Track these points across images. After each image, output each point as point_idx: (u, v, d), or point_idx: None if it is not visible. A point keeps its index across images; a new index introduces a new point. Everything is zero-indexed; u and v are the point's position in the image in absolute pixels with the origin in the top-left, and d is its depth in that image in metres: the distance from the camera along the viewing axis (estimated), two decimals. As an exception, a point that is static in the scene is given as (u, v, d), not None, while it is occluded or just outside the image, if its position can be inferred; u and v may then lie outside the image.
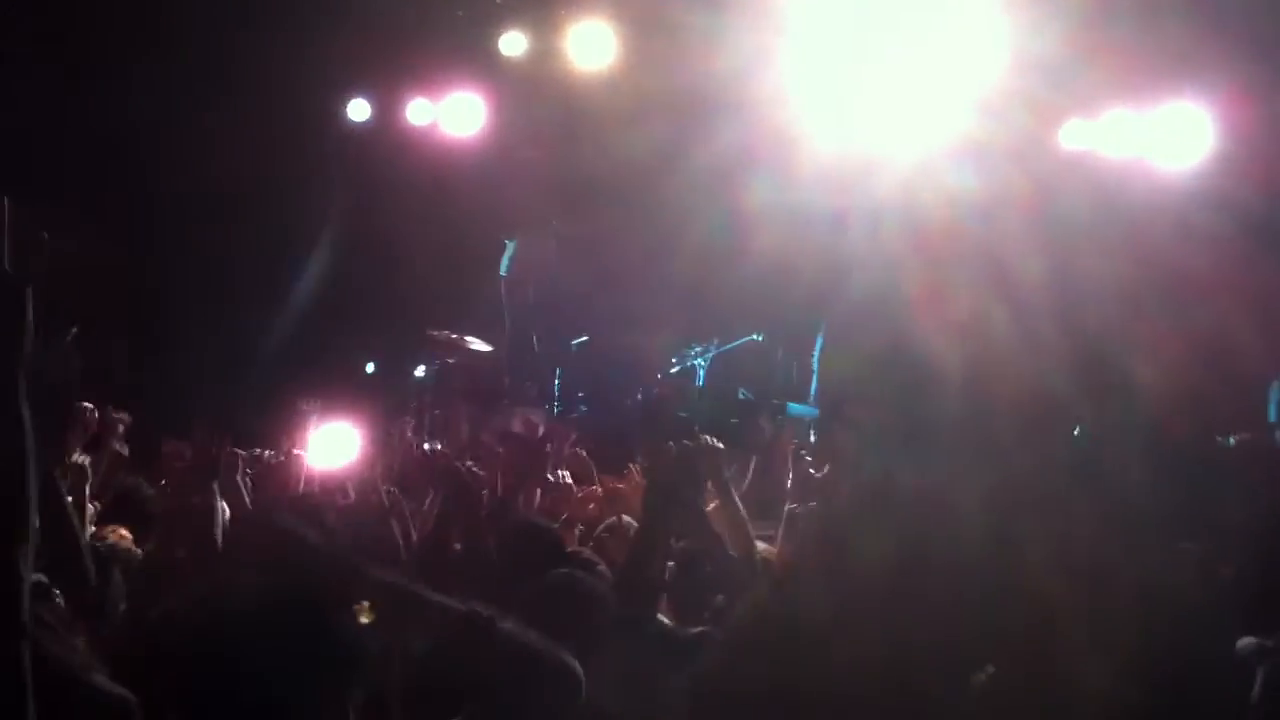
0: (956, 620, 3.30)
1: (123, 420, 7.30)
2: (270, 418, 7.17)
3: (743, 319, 10.87)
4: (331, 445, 6.09)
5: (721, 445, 4.93)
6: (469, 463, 5.79)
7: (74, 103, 9.49)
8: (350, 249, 11.05)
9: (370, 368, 11.07)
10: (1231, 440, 7.13)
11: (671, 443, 4.32)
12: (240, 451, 6.02)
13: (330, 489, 5.79)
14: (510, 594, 3.74)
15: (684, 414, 9.22)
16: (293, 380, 8.25)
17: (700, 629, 4.05)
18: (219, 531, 4.74)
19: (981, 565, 3.87)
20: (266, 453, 6.34)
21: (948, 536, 3.60)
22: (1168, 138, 9.47)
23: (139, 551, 4.98)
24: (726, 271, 10.28)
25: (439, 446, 8.00)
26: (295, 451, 6.11)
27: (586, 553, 4.75)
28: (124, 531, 5.46)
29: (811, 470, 5.68)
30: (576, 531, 5.72)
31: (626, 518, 5.38)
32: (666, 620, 4.36)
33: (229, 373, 9.62)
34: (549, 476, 6.38)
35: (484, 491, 5.41)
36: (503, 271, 11.02)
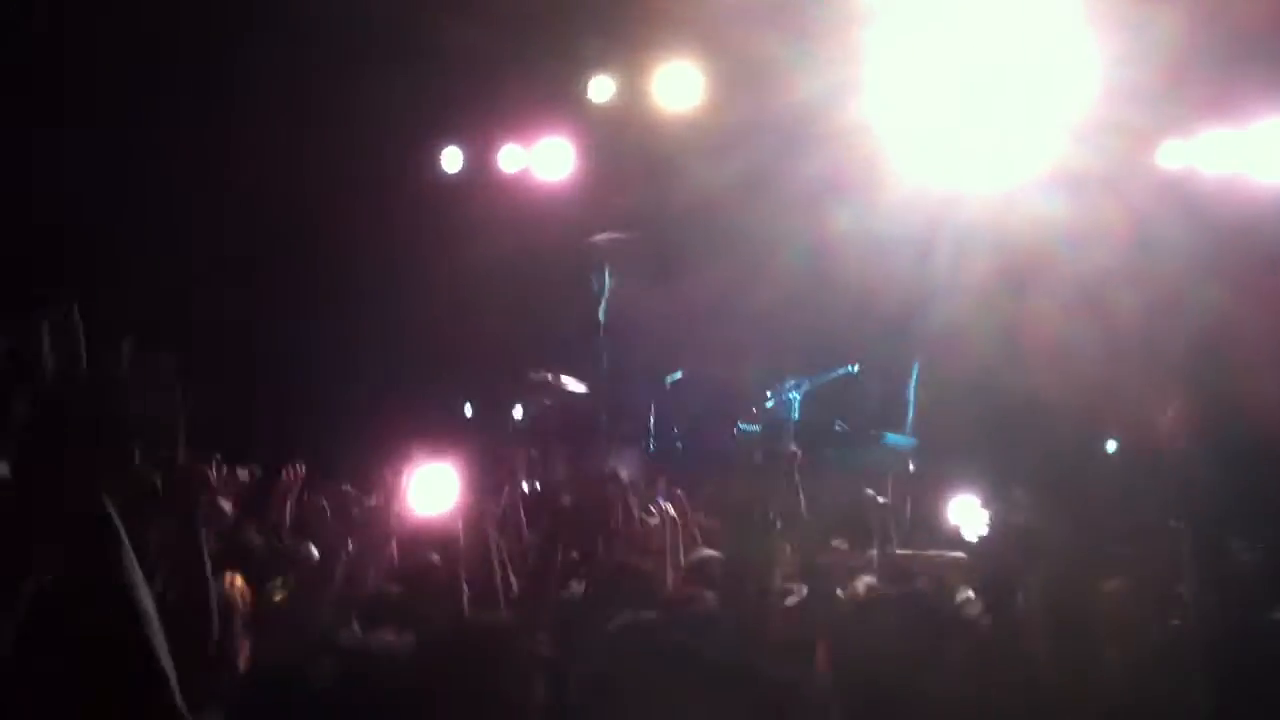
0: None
1: (249, 472, 7.53)
2: (371, 461, 7.29)
3: (834, 350, 10.85)
4: (431, 488, 6.17)
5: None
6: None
7: (180, 146, 9.80)
8: (447, 295, 11.22)
9: (468, 410, 11.22)
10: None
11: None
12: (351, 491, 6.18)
13: (434, 534, 5.88)
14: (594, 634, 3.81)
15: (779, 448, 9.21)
16: (391, 424, 8.39)
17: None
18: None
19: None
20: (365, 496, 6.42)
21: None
22: (1267, 153, 9.30)
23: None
24: (818, 301, 10.29)
25: (538, 487, 8.09)
26: (396, 495, 6.20)
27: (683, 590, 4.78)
28: (239, 579, 5.61)
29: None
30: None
31: (707, 550, 5.43)
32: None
33: (331, 418, 9.80)
34: (637, 514, 6.45)
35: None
36: (599, 309, 11.12)
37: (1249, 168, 9.37)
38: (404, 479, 6.19)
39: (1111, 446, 8.05)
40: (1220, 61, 8.67)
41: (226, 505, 6.40)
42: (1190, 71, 8.74)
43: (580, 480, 7.38)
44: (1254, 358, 7.12)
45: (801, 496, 5.98)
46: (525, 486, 8.81)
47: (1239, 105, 9.22)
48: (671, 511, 6.65)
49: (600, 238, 11.06)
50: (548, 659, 3.73)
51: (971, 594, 4.86)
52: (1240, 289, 8.00)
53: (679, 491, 7.27)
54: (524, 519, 6.61)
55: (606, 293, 11.13)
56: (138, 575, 2.25)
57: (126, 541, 2.25)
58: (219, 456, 6.80)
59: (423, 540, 5.75)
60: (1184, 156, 9.70)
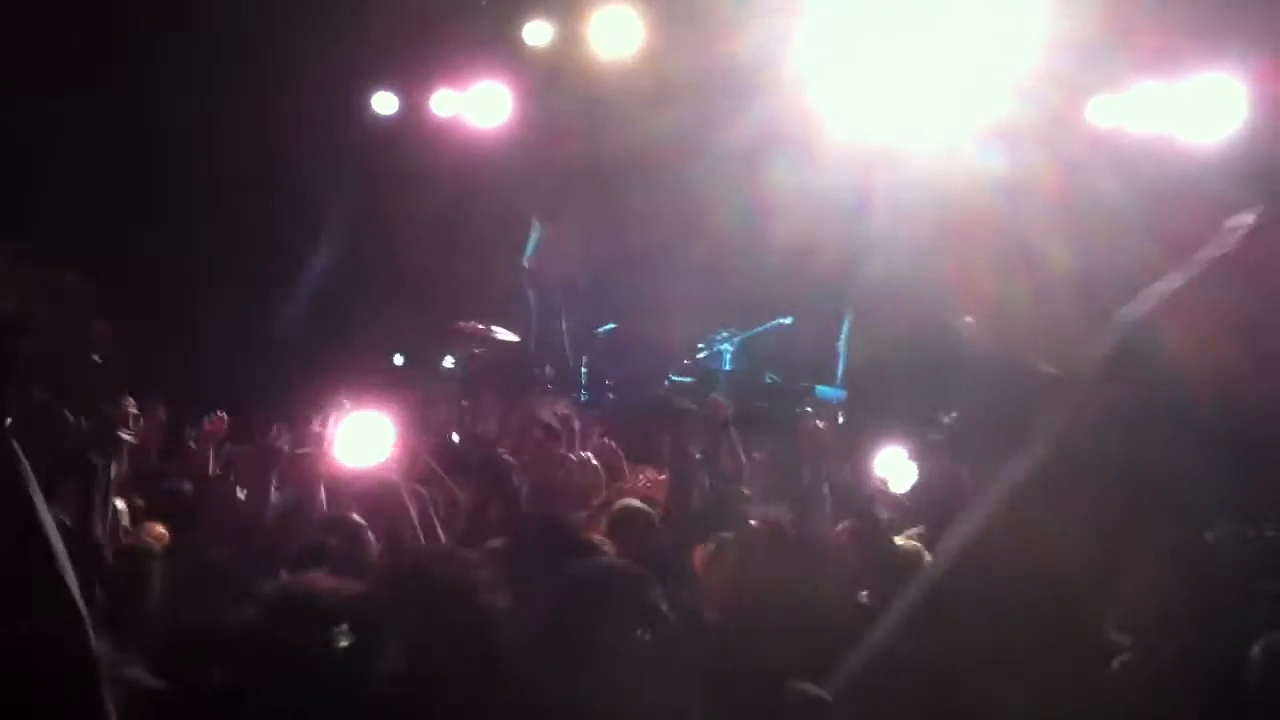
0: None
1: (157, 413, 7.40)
2: (297, 408, 7.20)
3: (767, 303, 10.85)
4: (362, 438, 6.09)
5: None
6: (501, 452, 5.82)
7: (98, 94, 9.57)
8: (377, 241, 11.07)
9: (398, 359, 11.10)
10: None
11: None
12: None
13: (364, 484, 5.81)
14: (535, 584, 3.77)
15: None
16: (319, 371, 8.29)
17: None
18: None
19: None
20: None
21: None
22: (1198, 110, 9.36)
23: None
24: (752, 255, 10.27)
25: (468, 436, 8.05)
26: (325, 442, 6.11)
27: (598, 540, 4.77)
28: (161, 529, 5.51)
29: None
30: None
31: (634, 501, 5.45)
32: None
33: (252, 363, 9.65)
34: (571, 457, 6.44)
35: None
36: (526, 257, 11.03)
37: (1178, 125, 9.44)
38: (333, 428, 6.13)
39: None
40: (1155, 14, 8.70)
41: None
42: (1124, 24, 8.77)
43: (514, 431, 7.33)
44: (1175, 315, 7.19)
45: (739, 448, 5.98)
46: (455, 436, 8.78)
47: (1172, 59, 9.27)
48: (595, 461, 6.66)
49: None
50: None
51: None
52: (1169, 246, 8.08)
53: (610, 441, 7.27)
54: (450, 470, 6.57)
55: (536, 241, 11.05)
56: (46, 512, 2.17)
57: (32, 477, 2.17)
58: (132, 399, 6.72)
59: (353, 490, 5.69)
60: (1115, 112, 9.75)
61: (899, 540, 4.85)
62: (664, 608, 3.64)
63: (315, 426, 6.43)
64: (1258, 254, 2.63)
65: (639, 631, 3.50)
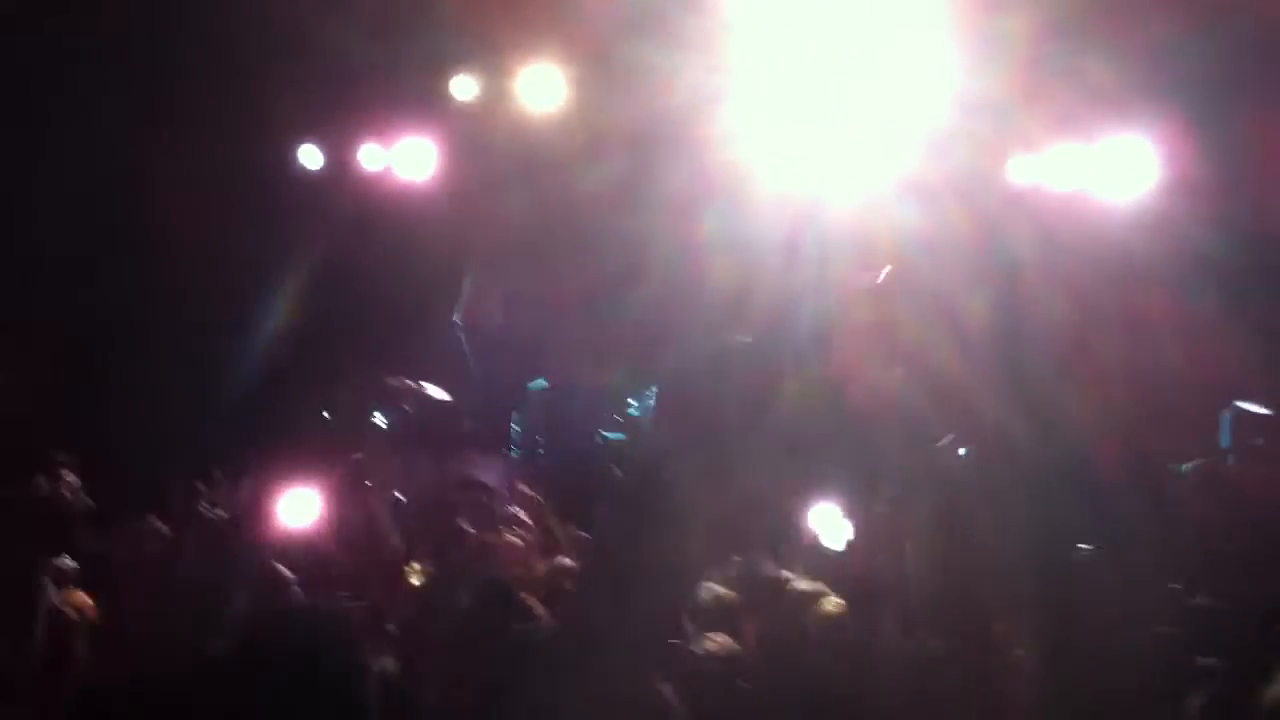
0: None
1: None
2: (229, 471, 7.13)
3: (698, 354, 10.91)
4: (293, 508, 6.09)
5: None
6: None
7: (23, 149, 9.49)
8: (306, 295, 11.01)
9: (326, 416, 11.01)
10: (1184, 467, 7.28)
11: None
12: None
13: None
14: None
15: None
16: (250, 431, 8.22)
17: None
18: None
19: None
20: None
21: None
22: (1112, 170, 9.63)
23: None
24: (683, 308, 10.34)
25: (398, 495, 8.00)
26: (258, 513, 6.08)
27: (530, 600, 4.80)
28: (80, 593, 5.43)
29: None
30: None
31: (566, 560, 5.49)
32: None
33: (177, 420, 9.54)
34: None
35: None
36: (458, 312, 11.02)
37: (1094, 184, 9.71)
38: (265, 498, 6.11)
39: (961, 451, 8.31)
40: (1068, 74, 8.97)
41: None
42: (1039, 84, 9.03)
43: (439, 488, 7.34)
44: (1092, 370, 7.41)
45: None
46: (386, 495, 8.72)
47: (1086, 120, 9.54)
48: (525, 517, 6.69)
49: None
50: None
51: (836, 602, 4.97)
52: (1082, 303, 8.31)
53: (536, 497, 7.28)
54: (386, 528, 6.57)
55: (468, 296, 11.04)
56: None
57: None
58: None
59: (284, 555, 5.68)
60: (1033, 170, 10.00)
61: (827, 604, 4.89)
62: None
63: (246, 494, 6.40)
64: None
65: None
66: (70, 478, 7.00)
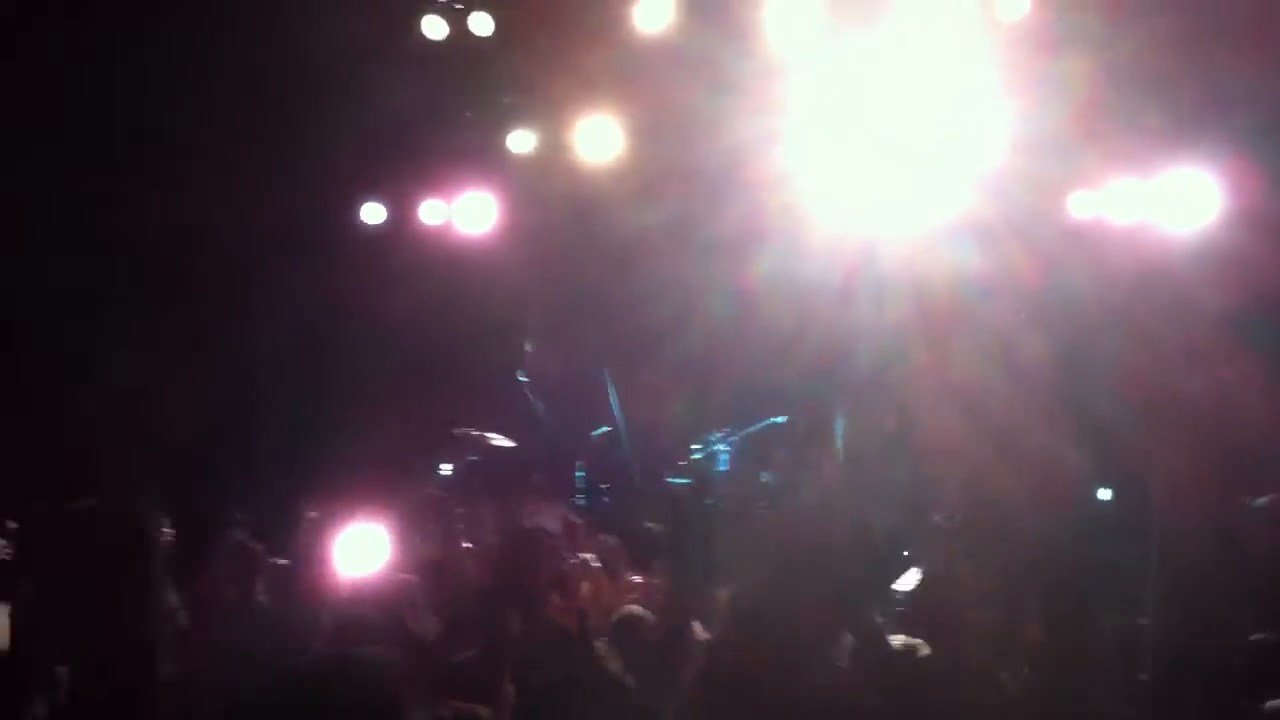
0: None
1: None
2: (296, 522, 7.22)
3: (759, 399, 10.93)
4: (359, 549, 6.13)
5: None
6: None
7: (92, 195, 9.72)
8: (369, 348, 11.15)
9: (392, 468, 11.11)
10: (1259, 501, 7.16)
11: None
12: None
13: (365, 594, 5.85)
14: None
15: (710, 501, 9.27)
16: (315, 485, 8.31)
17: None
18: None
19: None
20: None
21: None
22: (1173, 203, 9.55)
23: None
24: (741, 350, 10.38)
25: (467, 545, 8.07)
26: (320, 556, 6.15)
27: (599, 648, 4.85)
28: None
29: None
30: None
31: (638, 609, 5.50)
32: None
33: (253, 476, 9.68)
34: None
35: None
36: (521, 372, 11.11)
37: (1154, 218, 9.63)
38: (329, 540, 6.18)
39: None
40: (1127, 114, 8.95)
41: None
42: (1098, 124, 9.01)
43: (514, 537, 7.40)
44: (1156, 407, 7.34)
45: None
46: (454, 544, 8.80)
47: (1144, 157, 9.48)
48: (596, 564, 6.72)
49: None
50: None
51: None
52: (1145, 339, 8.23)
53: (610, 542, 7.32)
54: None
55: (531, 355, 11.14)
56: None
57: None
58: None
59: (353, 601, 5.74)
60: (1092, 206, 9.94)
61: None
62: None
63: (309, 538, 6.46)
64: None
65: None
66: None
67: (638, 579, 6.90)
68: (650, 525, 8.06)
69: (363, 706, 3.08)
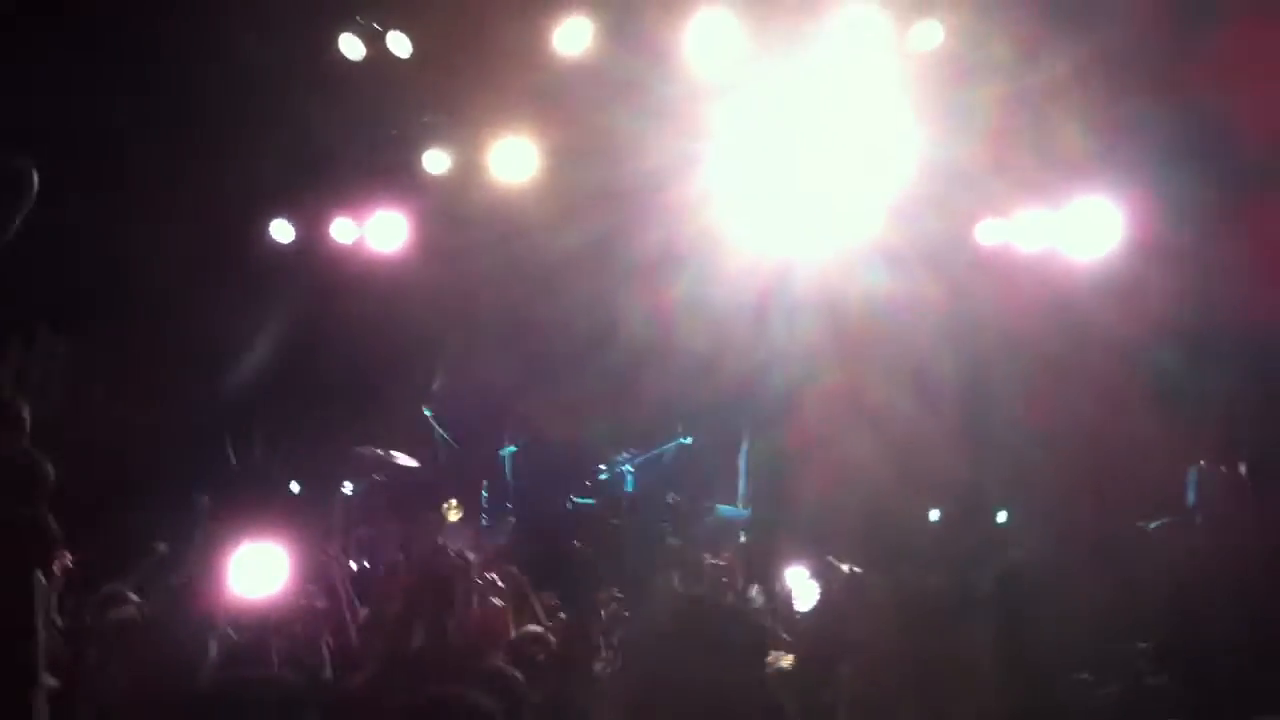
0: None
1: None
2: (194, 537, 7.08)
3: (668, 420, 10.94)
4: (258, 567, 6.02)
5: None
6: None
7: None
8: (278, 366, 10.99)
9: (296, 488, 10.95)
10: (1152, 525, 7.28)
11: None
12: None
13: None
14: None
15: (615, 522, 9.23)
16: (218, 502, 8.16)
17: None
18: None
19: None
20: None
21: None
22: (1078, 232, 9.73)
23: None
24: (652, 371, 10.38)
25: (367, 565, 7.95)
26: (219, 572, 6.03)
27: (502, 667, 4.79)
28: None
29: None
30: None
31: (536, 628, 5.45)
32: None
33: (155, 495, 9.47)
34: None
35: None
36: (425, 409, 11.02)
37: (1060, 246, 9.79)
38: (226, 560, 6.06)
39: (934, 514, 8.30)
40: (1035, 143, 9.10)
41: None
42: (1007, 153, 9.15)
43: (426, 560, 7.29)
44: (1059, 431, 7.45)
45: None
46: (354, 565, 8.68)
47: (1052, 185, 9.65)
48: (500, 584, 6.65)
49: None
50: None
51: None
52: (1049, 365, 8.36)
53: (514, 570, 7.24)
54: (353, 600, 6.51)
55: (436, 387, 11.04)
56: None
57: None
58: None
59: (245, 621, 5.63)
60: (1001, 234, 10.09)
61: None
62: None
63: (207, 558, 6.33)
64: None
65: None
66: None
67: (538, 600, 6.82)
68: (575, 543, 8.00)
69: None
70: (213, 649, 5.13)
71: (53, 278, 9.83)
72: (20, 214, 2.28)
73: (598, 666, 4.96)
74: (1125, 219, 9.46)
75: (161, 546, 6.97)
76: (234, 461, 9.37)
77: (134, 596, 6.08)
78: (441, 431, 10.94)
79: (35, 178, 2.32)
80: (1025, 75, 8.87)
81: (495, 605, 6.41)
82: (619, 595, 6.90)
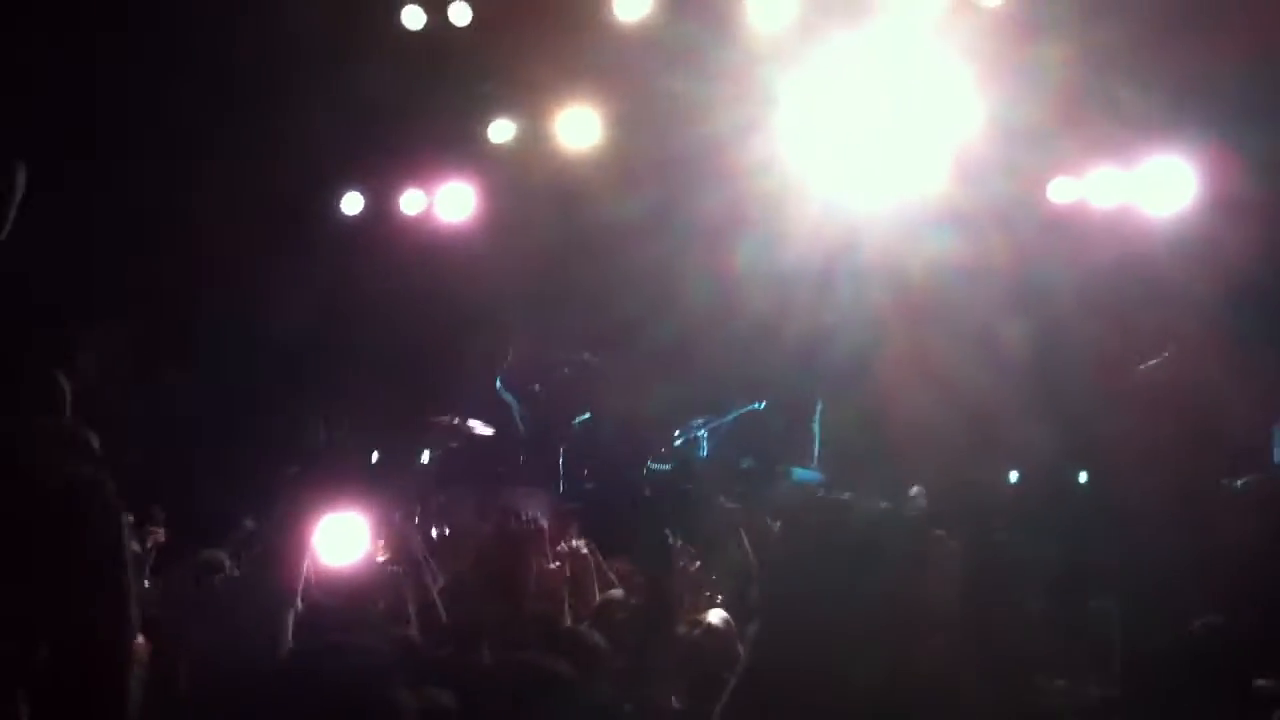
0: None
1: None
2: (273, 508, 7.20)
3: (740, 386, 10.94)
4: (339, 537, 6.13)
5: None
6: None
7: (68, 185, 9.64)
8: (349, 337, 11.12)
9: (374, 457, 11.08)
10: (1239, 483, 7.20)
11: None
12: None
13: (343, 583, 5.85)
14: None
15: (688, 487, 9.26)
16: (297, 473, 8.27)
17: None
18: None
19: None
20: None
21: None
22: (1151, 190, 9.59)
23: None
24: (723, 337, 10.38)
25: (446, 532, 8.06)
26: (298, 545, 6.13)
27: (582, 630, 4.86)
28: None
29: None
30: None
31: (617, 592, 5.50)
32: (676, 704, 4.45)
33: (233, 467, 9.63)
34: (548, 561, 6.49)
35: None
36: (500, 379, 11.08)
37: (1133, 205, 9.67)
38: (309, 529, 6.17)
39: (1013, 477, 8.26)
40: (1106, 101, 8.97)
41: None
42: (1077, 111, 9.03)
43: (499, 529, 7.39)
44: (1133, 392, 7.37)
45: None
46: (434, 531, 8.79)
47: (1124, 143, 9.52)
48: (584, 550, 6.72)
49: None
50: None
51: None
52: (1122, 325, 8.28)
53: (583, 541, 7.29)
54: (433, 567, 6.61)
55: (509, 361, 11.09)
56: None
57: None
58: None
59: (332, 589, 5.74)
60: (1074, 192, 9.96)
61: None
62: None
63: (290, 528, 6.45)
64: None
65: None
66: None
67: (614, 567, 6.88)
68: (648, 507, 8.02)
69: (349, 698, 3.06)
70: (289, 620, 5.22)
71: (117, 259, 10.01)
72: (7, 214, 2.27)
73: (680, 629, 4.99)
74: (1200, 175, 9.32)
75: (249, 522, 7.14)
76: (318, 435, 9.48)
77: (228, 563, 6.23)
78: (513, 403, 11.01)
79: (21, 175, 2.30)
80: (1094, 31, 8.74)
81: (571, 570, 6.49)
82: (696, 558, 6.95)
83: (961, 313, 9.12)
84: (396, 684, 3.33)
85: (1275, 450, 8.53)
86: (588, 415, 11.15)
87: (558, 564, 6.34)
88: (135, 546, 5.29)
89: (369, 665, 3.53)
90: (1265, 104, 8.36)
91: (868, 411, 9.50)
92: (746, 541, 5.97)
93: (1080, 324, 8.35)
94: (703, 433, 10.87)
